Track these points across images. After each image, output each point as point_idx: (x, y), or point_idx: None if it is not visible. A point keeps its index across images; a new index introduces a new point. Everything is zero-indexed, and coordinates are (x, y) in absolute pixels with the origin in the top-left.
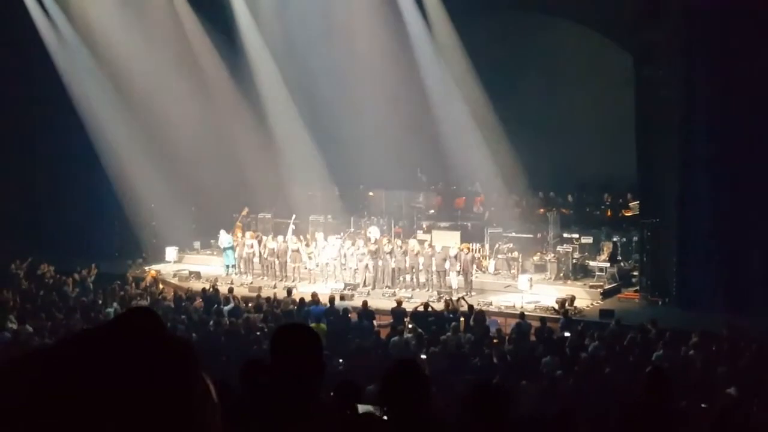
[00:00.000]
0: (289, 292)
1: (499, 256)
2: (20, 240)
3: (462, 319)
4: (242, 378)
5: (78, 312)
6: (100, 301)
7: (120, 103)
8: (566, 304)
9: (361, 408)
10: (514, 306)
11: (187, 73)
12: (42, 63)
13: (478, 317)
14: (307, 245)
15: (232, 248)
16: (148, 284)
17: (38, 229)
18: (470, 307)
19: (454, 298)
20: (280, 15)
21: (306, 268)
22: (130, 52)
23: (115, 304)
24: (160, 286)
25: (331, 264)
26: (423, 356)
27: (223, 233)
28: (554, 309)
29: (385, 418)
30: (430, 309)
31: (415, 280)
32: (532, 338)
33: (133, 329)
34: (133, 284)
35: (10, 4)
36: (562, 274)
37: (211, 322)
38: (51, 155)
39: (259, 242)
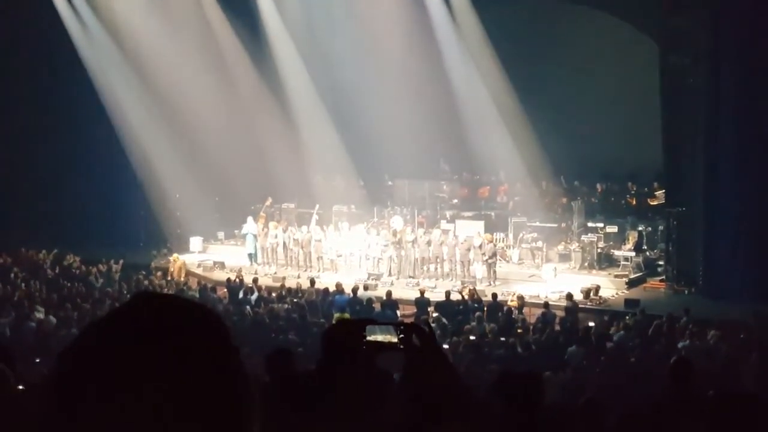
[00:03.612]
0: (312, 282)
1: (523, 245)
2: (47, 230)
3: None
4: (268, 367)
5: (105, 303)
6: (125, 292)
7: (145, 95)
8: (591, 294)
9: (376, 335)
10: (538, 296)
11: (211, 65)
12: (68, 55)
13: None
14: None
15: (255, 237)
16: (176, 271)
17: (64, 220)
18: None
19: (479, 288)
20: (303, 6)
21: (329, 259)
22: (154, 44)
23: None
24: (182, 275)
25: (355, 254)
26: (446, 346)
27: (250, 220)
28: (566, 298)
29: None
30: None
31: (439, 270)
32: (557, 328)
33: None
34: (159, 274)
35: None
36: (586, 264)
37: (235, 312)
38: (77, 147)
39: (284, 230)
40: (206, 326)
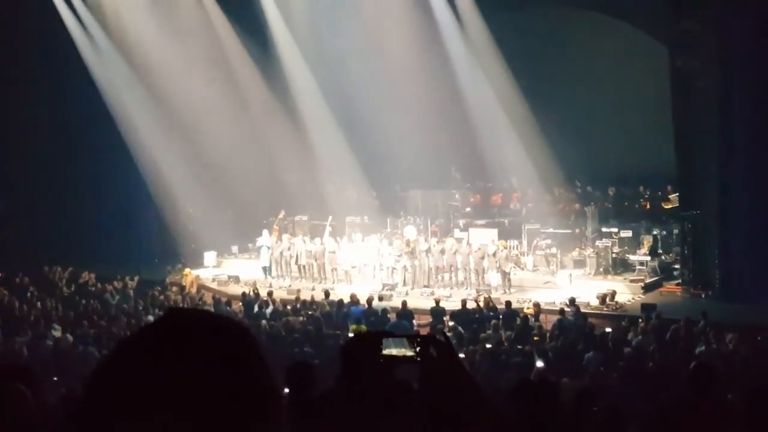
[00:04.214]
0: (327, 293)
1: (538, 252)
2: (61, 248)
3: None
4: (288, 380)
5: (120, 319)
6: (141, 308)
7: (156, 109)
8: (607, 299)
9: (392, 349)
10: (554, 303)
11: (221, 78)
12: (77, 72)
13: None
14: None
15: (269, 249)
16: (188, 285)
17: (78, 237)
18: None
19: (494, 296)
20: (311, 17)
21: (343, 270)
22: (163, 59)
23: (156, 310)
24: (193, 289)
25: (369, 265)
26: (462, 355)
27: (265, 233)
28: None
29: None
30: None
31: (453, 278)
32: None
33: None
34: (174, 289)
35: (45, 16)
36: (602, 269)
37: (251, 326)
38: (90, 163)
39: (303, 235)
40: (239, 342)
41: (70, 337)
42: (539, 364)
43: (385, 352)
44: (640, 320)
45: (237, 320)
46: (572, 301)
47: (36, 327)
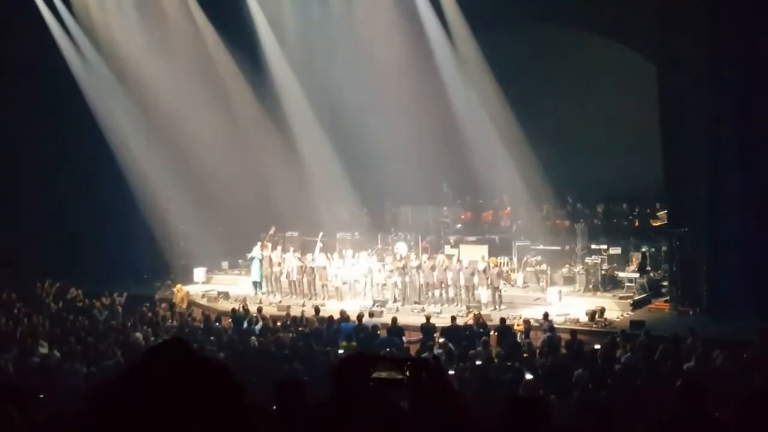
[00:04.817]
0: (317, 310)
1: (528, 269)
2: (49, 263)
3: (492, 333)
4: (277, 399)
5: (108, 336)
6: (130, 324)
7: (147, 125)
8: (596, 316)
9: (382, 372)
10: (543, 319)
11: (212, 94)
12: (68, 87)
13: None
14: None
15: (261, 262)
16: (179, 301)
17: (67, 252)
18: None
19: (484, 312)
20: (303, 33)
21: (334, 286)
22: (155, 75)
23: (145, 327)
24: (184, 305)
25: (360, 281)
26: (452, 372)
27: (257, 248)
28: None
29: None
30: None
31: (444, 295)
32: (563, 351)
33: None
34: (163, 305)
35: (35, 30)
36: (591, 286)
37: (240, 342)
38: (79, 178)
39: (294, 251)
40: (221, 388)
41: (57, 354)
42: (528, 376)
43: (376, 375)
44: (615, 337)
45: (224, 366)
46: (545, 315)
47: (23, 343)
